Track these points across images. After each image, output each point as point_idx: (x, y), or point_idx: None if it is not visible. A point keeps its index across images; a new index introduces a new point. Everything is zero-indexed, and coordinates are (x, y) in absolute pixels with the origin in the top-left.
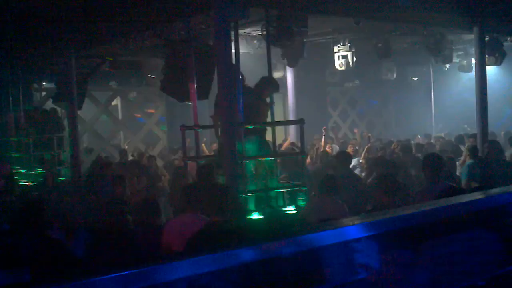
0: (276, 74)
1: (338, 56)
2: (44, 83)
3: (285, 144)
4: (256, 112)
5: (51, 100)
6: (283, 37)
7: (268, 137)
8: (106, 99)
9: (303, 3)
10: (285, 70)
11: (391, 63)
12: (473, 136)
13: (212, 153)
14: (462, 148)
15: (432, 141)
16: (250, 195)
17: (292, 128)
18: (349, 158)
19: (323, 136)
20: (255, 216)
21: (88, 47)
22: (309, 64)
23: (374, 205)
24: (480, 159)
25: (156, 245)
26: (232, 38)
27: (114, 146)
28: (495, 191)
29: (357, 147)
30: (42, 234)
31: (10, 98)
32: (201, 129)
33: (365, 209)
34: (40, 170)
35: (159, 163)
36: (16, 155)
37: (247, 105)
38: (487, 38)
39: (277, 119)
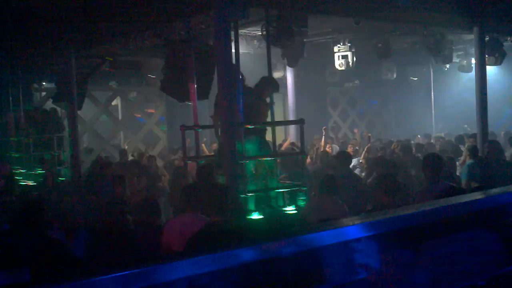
0: (276, 74)
1: (338, 56)
2: (44, 83)
3: (285, 144)
4: (256, 112)
5: (51, 100)
6: (283, 37)
7: (268, 137)
8: (106, 99)
9: (303, 3)
10: (285, 70)
11: (391, 63)
12: (473, 136)
13: (212, 153)
14: (462, 148)
15: (432, 141)
16: (250, 195)
17: (292, 128)
18: (349, 158)
19: (323, 136)
20: (255, 216)
21: (88, 47)
22: (309, 64)
23: (374, 205)
24: (480, 159)
25: (156, 245)
26: (232, 38)
27: (114, 146)
28: (495, 191)
29: (357, 147)
30: (42, 234)
31: (10, 98)
32: (201, 129)
33: (365, 209)
34: (40, 170)
35: (159, 163)
36: (16, 155)
37: (247, 105)
38: (487, 38)
39: (277, 119)
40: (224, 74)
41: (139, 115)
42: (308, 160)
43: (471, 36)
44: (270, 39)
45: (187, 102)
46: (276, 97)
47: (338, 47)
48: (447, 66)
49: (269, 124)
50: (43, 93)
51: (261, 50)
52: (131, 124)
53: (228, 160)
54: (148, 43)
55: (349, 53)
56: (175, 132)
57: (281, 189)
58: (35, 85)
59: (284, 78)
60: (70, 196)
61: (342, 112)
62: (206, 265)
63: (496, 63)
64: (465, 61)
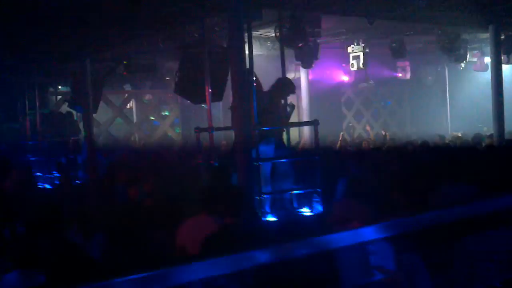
0: (290, 75)
1: (352, 56)
2: (59, 87)
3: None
4: (271, 113)
5: (66, 103)
6: (297, 38)
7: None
8: (121, 102)
9: (316, 4)
10: (299, 71)
11: (406, 63)
12: (491, 136)
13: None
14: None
15: (446, 141)
16: (265, 197)
17: (306, 129)
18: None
19: (339, 141)
20: (270, 218)
21: (102, 50)
22: (323, 64)
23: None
24: None
25: (172, 248)
26: (246, 40)
27: None
28: None
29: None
30: (59, 237)
31: (26, 102)
32: (215, 131)
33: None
34: (56, 174)
35: None
36: (33, 159)
37: (262, 107)
38: (502, 37)
39: (291, 120)
40: (238, 76)
41: (153, 118)
42: None
43: (487, 35)
44: (284, 41)
45: (201, 105)
46: (290, 98)
47: (352, 47)
48: (462, 65)
49: (284, 125)
50: (59, 97)
51: (274, 52)
52: (146, 126)
53: (243, 162)
54: (162, 45)
55: (362, 53)
56: (189, 134)
57: (296, 191)
58: (51, 89)
59: (297, 79)
60: (86, 199)
61: (357, 112)
62: (222, 267)
63: (509, 62)
64: (480, 60)
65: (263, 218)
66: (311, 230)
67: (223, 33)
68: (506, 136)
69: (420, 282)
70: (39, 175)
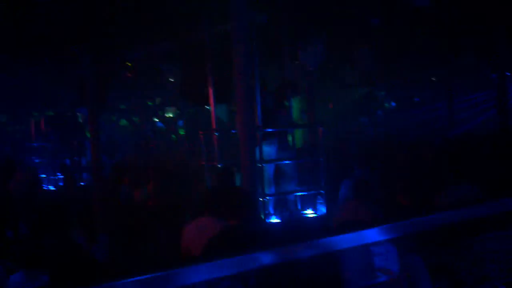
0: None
1: (357, 57)
2: (64, 89)
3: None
4: (275, 115)
5: (71, 105)
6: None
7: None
8: (125, 104)
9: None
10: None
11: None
12: None
13: None
14: None
15: None
16: (269, 199)
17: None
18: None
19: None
20: (274, 219)
21: (107, 52)
22: (327, 66)
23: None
24: None
25: (176, 249)
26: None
27: None
28: None
29: None
30: (63, 238)
31: (31, 104)
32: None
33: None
34: (61, 175)
35: None
36: (37, 161)
37: (266, 109)
38: None
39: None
40: (242, 78)
41: (157, 120)
42: None
43: None
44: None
45: (206, 107)
46: (294, 99)
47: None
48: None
49: (288, 127)
50: (64, 99)
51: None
52: (149, 128)
53: (247, 163)
54: (166, 48)
55: (366, 54)
56: (193, 136)
57: (299, 192)
58: (56, 91)
59: (301, 80)
60: (91, 201)
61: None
62: (226, 268)
63: None
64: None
65: (267, 220)
66: (315, 231)
67: (227, 35)
68: None
69: (421, 283)
70: (44, 177)
